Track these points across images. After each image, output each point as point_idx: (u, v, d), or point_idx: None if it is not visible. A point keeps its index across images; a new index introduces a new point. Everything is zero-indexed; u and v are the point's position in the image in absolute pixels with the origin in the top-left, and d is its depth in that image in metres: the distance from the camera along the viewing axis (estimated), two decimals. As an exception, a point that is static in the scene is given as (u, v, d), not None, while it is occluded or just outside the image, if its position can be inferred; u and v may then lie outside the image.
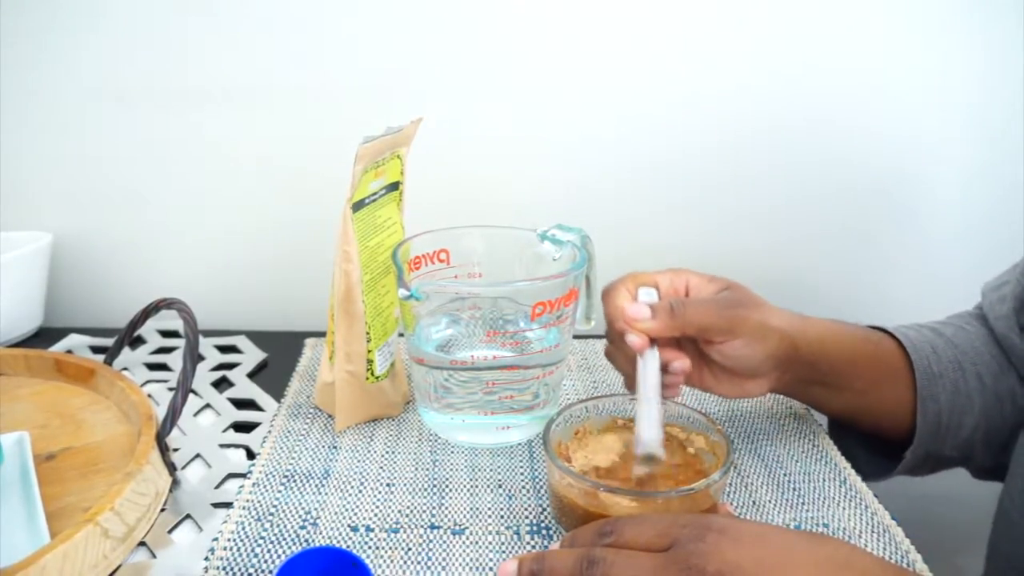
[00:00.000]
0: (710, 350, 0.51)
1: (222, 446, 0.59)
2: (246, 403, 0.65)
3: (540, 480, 0.54)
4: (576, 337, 0.71)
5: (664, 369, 0.50)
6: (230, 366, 0.71)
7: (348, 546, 0.48)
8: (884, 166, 0.81)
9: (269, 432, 0.60)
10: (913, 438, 0.55)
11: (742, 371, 0.52)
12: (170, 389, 0.67)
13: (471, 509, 0.51)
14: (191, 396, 0.59)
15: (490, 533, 0.49)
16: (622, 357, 0.54)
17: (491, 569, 0.46)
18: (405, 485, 0.54)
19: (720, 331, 0.50)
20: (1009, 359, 0.56)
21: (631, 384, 0.52)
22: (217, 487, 0.54)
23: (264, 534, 0.49)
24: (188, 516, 0.51)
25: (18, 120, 0.76)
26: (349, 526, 0.50)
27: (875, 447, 0.59)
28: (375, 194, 0.57)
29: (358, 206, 0.55)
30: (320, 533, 0.49)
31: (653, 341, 0.50)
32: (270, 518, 0.50)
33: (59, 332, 0.77)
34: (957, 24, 0.76)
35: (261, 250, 0.81)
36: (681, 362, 0.50)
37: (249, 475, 0.54)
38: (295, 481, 0.54)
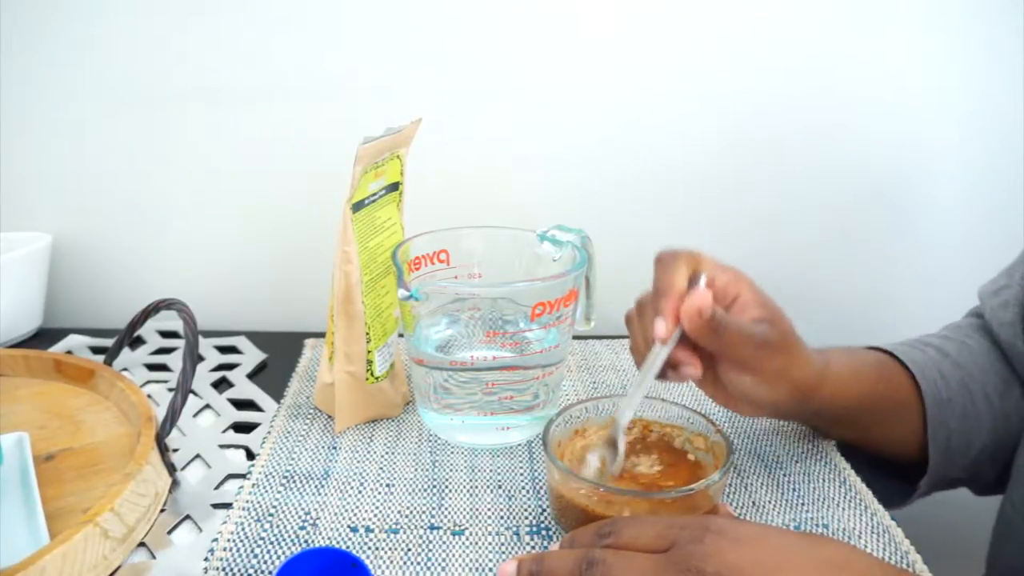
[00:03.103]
0: (720, 369, 0.49)
1: (222, 447, 0.59)
2: (246, 404, 0.65)
3: (540, 481, 0.54)
4: (576, 338, 0.71)
5: (674, 366, 0.48)
6: (230, 367, 0.71)
7: (348, 547, 0.48)
8: (884, 171, 0.81)
9: (269, 433, 0.60)
10: (923, 463, 0.55)
11: (740, 399, 0.50)
12: (170, 390, 0.67)
13: (471, 510, 0.51)
14: (191, 397, 0.59)
15: (490, 534, 0.49)
16: (641, 327, 0.51)
17: (491, 570, 0.46)
18: (405, 486, 0.54)
19: (739, 363, 0.47)
20: (1014, 369, 0.55)
21: (641, 356, 0.50)
22: (217, 488, 0.54)
23: (264, 535, 0.49)
24: (188, 517, 0.51)
25: (19, 121, 0.76)
26: (349, 527, 0.50)
27: (885, 470, 0.58)
28: (375, 195, 0.57)
29: (358, 207, 0.55)
30: (320, 534, 0.49)
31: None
32: (270, 519, 0.50)
33: (59, 333, 0.76)
34: (957, 29, 0.76)
35: (261, 251, 0.81)
36: (693, 370, 0.47)
37: (249, 476, 0.54)
38: (295, 482, 0.54)
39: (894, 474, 0.57)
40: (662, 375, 0.48)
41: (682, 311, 0.46)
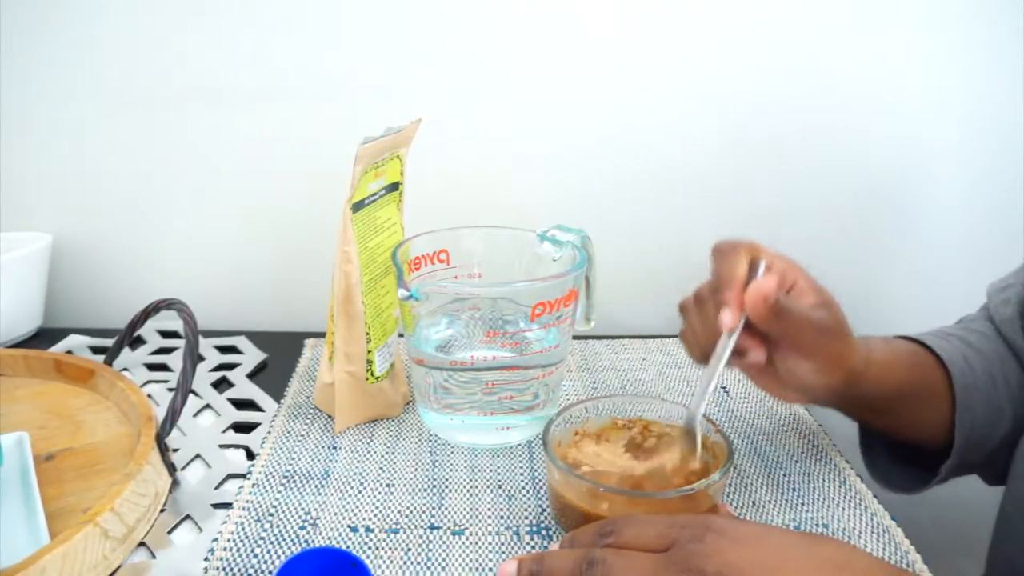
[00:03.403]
0: (776, 354, 0.49)
1: (222, 446, 0.59)
2: (246, 403, 0.65)
3: (540, 480, 0.54)
4: (576, 337, 0.71)
5: (739, 353, 0.48)
6: (230, 366, 0.71)
7: (348, 546, 0.48)
8: (884, 171, 0.81)
9: (269, 432, 0.60)
10: (945, 449, 0.55)
11: (792, 384, 0.50)
12: (170, 389, 0.67)
13: (471, 510, 0.51)
14: (191, 396, 0.59)
15: (490, 534, 0.49)
16: (700, 316, 0.51)
17: (491, 570, 0.46)
18: (405, 486, 0.54)
19: (799, 349, 0.48)
20: (1020, 362, 0.56)
21: (697, 346, 0.50)
22: (217, 488, 0.54)
23: (264, 534, 0.49)
24: (188, 516, 0.51)
25: (19, 121, 0.76)
26: (349, 526, 0.50)
27: (901, 459, 0.58)
28: (375, 195, 0.57)
29: (358, 207, 0.55)
30: (320, 533, 0.49)
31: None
32: (270, 518, 0.50)
33: (59, 333, 0.76)
34: (957, 29, 0.76)
35: (261, 251, 0.81)
36: (757, 354, 0.48)
37: (249, 475, 0.54)
38: (295, 482, 0.54)
39: (911, 462, 0.57)
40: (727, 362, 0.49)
41: (747, 297, 0.46)
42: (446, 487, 0.54)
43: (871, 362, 0.51)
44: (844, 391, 0.50)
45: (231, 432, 0.61)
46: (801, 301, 0.49)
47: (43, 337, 0.77)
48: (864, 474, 0.56)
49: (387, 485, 0.54)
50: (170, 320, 0.67)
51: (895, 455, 0.58)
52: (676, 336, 0.78)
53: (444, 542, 0.48)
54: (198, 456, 0.58)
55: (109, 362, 0.63)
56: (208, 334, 0.72)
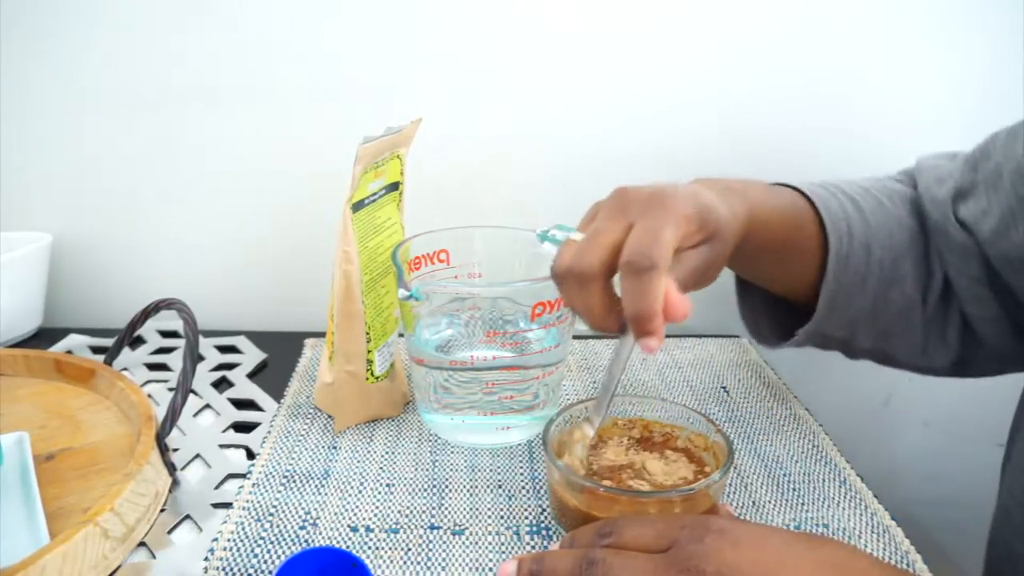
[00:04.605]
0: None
1: (222, 446, 0.59)
2: (246, 403, 0.65)
3: (540, 480, 0.54)
4: (576, 337, 0.71)
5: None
6: (230, 366, 0.71)
7: (348, 546, 0.48)
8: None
9: (269, 432, 0.60)
10: (805, 309, 0.55)
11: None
12: (170, 389, 0.67)
13: (471, 509, 0.51)
14: (191, 396, 0.59)
15: (490, 533, 0.49)
16: (597, 296, 0.43)
17: (491, 569, 0.46)
18: (405, 485, 0.54)
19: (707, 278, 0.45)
20: (921, 244, 0.55)
21: (596, 320, 0.44)
22: (217, 487, 0.54)
23: (264, 534, 0.49)
24: (188, 516, 0.51)
25: (19, 121, 0.76)
26: (349, 526, 0.50)
27: (774, 313, 0.59)
28: (375, 194, 0.57)
29: (358, 206, 0.55)
30: (320, 533, 0.49)
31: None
32: (270, 518, 0.50)
33: (59, 332, 0.77)
34: (957, 31, 0.76)
35: (261, 250, 0.81)
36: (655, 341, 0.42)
37: (249, 475, 0.54)
38: (295, 481, 0.54)
39: (777, 320, 0.59)
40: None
41: (676, 317, 0.42)
42: (446, 487, 0.54)
43: (755, 218, 0.49)
44: (740, 251, 0.48)
45: (231, 432, 0.61)
46: (686, 264, 0.43)
47: (43, 337, 0.77)
48: (864, 474, 0.56)
49: (387, 485, 0.54)
50: (170, 320, 0.67)
51: (766, 307, 0.60)
52: (676, 336, 0.78)
53: (444, 542, 0.48)
54: (198, 456, 0.58)
55: (109, 362, 0.63)
56: (208, 334, 0.72)
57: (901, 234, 0.55)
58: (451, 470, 0.56)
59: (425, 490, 0.53)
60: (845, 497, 0.53)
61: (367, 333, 0.57)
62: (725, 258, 0.46)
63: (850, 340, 0.57)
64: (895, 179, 0.61)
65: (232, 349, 0.74)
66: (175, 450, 0.57)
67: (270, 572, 0.45)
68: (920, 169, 0.58)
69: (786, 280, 0.56)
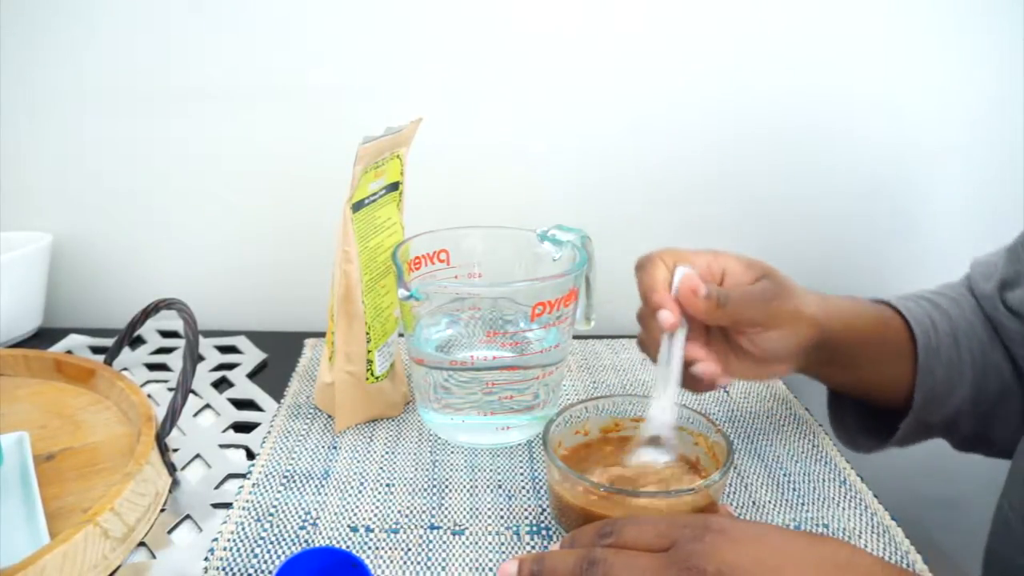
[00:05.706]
0: (740, 338, 0.50)
1: (222, 446, 0.59)
2: (246, 403, 0.65)
3: (540, 480, 0.54)
4: (576, 337, 0.71)
5: (689, 363, 0.49)
6: (230, 366, 0.71)
7: (348, 546, 0.48)
8: (885, 173, 0.81)
9: (269, 432, 0.60)
10: (905, 409, 0.56)
11: (770, 359, 0.51)
12: (170, 389, 0.67)
13: (471, 509, 0.51)
14: (191, 396, 0.59)
15: (490, 534, 0.49)
16: (653, 338, 0.51)
17: (491, 569, 0.46)
18: (405, 485, 0.54)
19: (758, 323, 0.49)
20: (996, 332, 0.57)
21: (656, 352, 0.50)
22: (217, 487, 0.54)
23: (264, 534, 0.49)
24: (188, 516, 0.51)
25: (19, 120, 0.76)
26: (349, 526, 0.50)
27: (867, 420, 0.60)
28: (375, 194, 0.57)
29: (358, 206, 0.55)
30: (320, 533, 0.49)
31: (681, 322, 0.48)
32: (270, 518, 0.50)
33: (59, 332, 0.77)
34: (958, 32, 0.76)
35: (261, 250, 0.81)
36: (705, 366, 0.48)
37: (249, 475, 0.54)
38: (295, 481, 0.54)
39: (874, 423, 0.59)
40: (689, 386, 0.50)
41: (679, 298, 0.48)
42: (446, 487, 0.54)
43: (832, 314, 0.52)
44: (818, 345, 0.51)
45: (231, 432, 0.61)
46: (739, 282, 0.50)
47: (43, 337, 0.77)
48: (864, 474, 0.56)
49: (387, 485, 0.54)
50: (170, 320, 0.67)
51: (860, 417, 0.60)
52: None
53: (444, 542, 0.48)
54: (198, 456, 0.58)
55: (109, 362, 0.63)
56: (208, 334, 0.72)
57: (981, 328, 0.57)
58: (451, 470, 0.56)
59: (425, 490, 0.53)
60: (845, 497, 0.53)
61: (367, 333, 0.57)
62: (784, 300, 0.49)
63: (952, 431, 0.58)
64: (964, 279, 0.63)
65: (232, 349, 0.74)
66: (175, 450, 0.57)
67: (270, 572, 0.45)
68: (972, 267, 0.61)
69: (885, 381, 0.57)
